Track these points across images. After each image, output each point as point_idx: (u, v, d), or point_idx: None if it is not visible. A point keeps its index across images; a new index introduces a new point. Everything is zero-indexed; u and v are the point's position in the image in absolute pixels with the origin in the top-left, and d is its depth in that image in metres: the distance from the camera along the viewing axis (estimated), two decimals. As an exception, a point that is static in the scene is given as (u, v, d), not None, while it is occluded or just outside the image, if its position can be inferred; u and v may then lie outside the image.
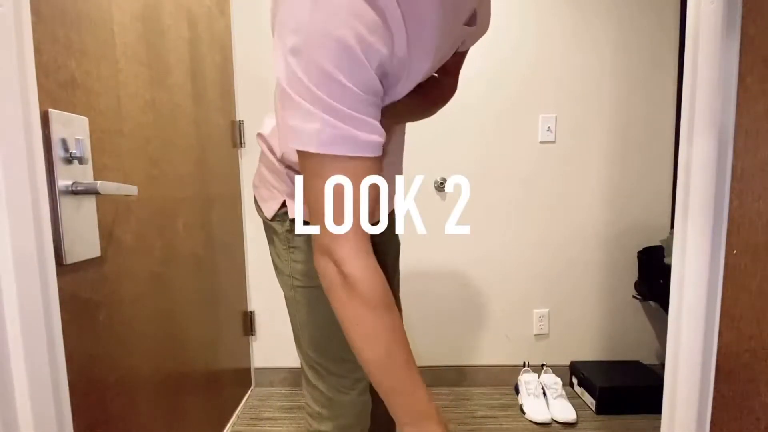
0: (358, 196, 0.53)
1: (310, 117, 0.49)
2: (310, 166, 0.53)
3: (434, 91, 0.79)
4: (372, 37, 0.48)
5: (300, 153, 0.53)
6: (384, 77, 0.53)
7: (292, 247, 0.80)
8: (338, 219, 0.53)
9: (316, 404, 0.82)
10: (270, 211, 0.81)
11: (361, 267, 0.54)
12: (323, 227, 0.54)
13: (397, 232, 0.99)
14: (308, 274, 0.79)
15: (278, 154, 0.77)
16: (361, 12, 0.47)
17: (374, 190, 0.55)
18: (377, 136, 0.52)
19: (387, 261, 0.92)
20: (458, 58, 0.78)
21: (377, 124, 0.53)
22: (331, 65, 0.47)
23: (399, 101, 0.62)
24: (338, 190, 0.52)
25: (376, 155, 0.53)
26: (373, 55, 0.49)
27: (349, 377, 0.80)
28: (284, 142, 0.53)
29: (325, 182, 0.52)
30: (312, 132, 0.49)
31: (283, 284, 0.83)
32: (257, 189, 0.86)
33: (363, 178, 0.53)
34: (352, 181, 0.52)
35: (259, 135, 0.83)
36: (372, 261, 0.55)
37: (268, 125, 0.81)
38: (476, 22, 0.66)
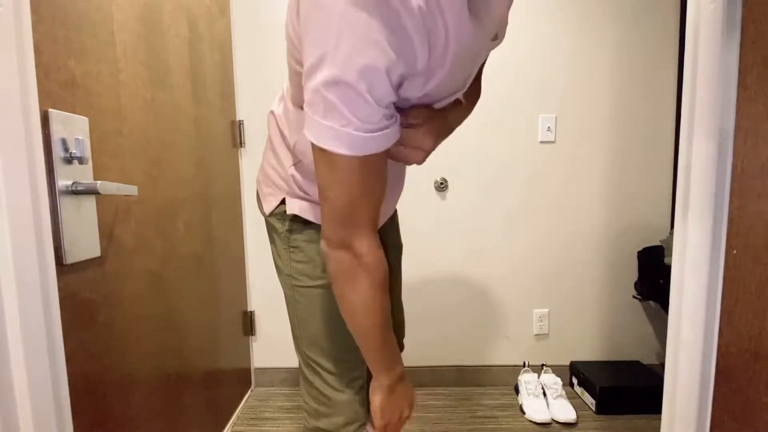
0: (375, 192, 0.61)
1: (337, 132, 0.54)
2: (332, 166, 0.57)
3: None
4: (395, 60, 0.52)
5: (322, 157, 0.57)
6: (398, 86, 0.57)
7: (293, 247, 0.80)
8: (358, 215, 0.61)
9: (313, 401, 0.83)
10: (269, 207, 0.82)
11: (378, 257, 0.64)
12: (342, 222, 0.61)
13: (399, 234, 0.99)
14: (307, 274, 0.80)
15: (291, 143, 0.76)
16: (386, 38, 0.50)
17: (383, 186, 0.63)
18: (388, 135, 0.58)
19: (390, 261, 0.92)
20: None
21: (386, 125, 0.56)
22: (363, 89, 0.51)
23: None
24: (358, 187, 0.58)
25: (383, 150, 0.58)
26: (395, 73, 0.53)
27: (345, 376, 0.81)
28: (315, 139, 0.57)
29: (346, 181, 0.58)
30: (343, 139, 0.54)
31: (283, 283, 0.84)
32: (259, 185, 0.87)
33: (377, 176, 0.60)
34: (371, 179, 0.59)
35: (271, 113, 0.82)
36: (381, 249, 0.65)
37: (281, 105, 0.80)
38: (499, 35, 0.67)
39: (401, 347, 0.96)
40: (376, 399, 0.73)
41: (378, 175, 0.61)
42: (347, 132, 0.53)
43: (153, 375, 1.09)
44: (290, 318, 0.85)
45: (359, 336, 0.69)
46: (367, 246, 0.62)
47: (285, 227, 0.80)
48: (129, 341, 0.99)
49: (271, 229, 0.84)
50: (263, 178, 0.85)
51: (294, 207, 0.78)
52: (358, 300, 0.65)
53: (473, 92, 0.82)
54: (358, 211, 0.61)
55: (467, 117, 0.82)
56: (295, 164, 0.76)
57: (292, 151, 0.76)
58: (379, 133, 0.55)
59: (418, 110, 0.64)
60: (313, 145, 0.57)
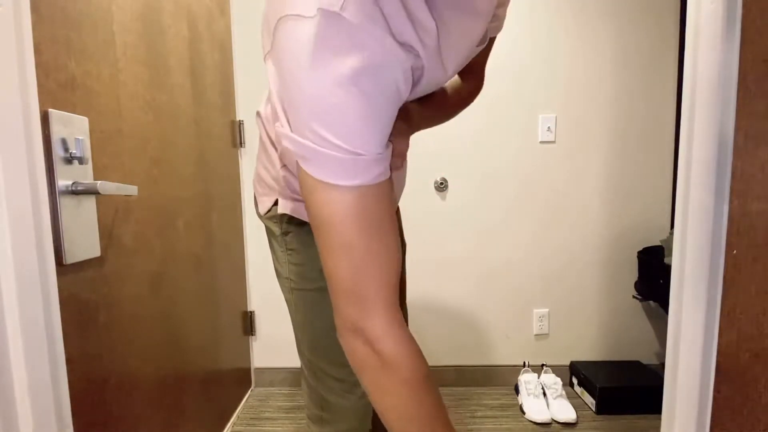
0: (382, 251, 0.49)
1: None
2: (322, 215, 0.48)
3: (456, 93, 0.79)
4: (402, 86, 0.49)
5: (310, 201, 0.49)
6: None
7: (289, 250, 0.79)
8: (364, 286, 0.48)
9: (315, 407, 0.80)
10: (263, 208, 0.81)
11: (399, 343, 0.49)
12: (346, 299, 0.49)
13: (402, 232, 0.99)
14: (304, 276, 0.78)
15: (278, 148, 0.74)
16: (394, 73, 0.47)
17: (396, 242, 0.51)
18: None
19: None
20: (481, 57, 0.77)
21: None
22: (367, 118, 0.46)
23: (420, 107, 0.64)
24: (358, 246, 0.48)
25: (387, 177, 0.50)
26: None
27: (348, 380, 0.77)
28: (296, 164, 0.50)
29: (342, 236, 0.47)
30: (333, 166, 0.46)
31: (282, 287, 0.83)
32: (255, 186, 0.86)
33: (382, 223, 0.49)
34: (373, 231, 0.48)
35: (258, 115, 0.79)
36: (408, 333, 0.50)
37: (268, 106, 0.77)
38: (488, 36, 0.66)
39: None
40: None
41: (382, 225, 0.49)
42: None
43: (153, 375, 1.09)
44: (292, 321, 0.83)
45: None
46: (381, 329, 0.48)
47: (281, 230, 0.79)
48: (129, 341, 0.99)
49: (269, 233, 0.83)
50: (257, 179, 0.83)
51: (286, 207, 0.76)
52: (390, 405, 0.49)
53: (473, 87, 0.80)
54: (363, 280, 0.48)
55: (453, 111, 0.78)
56: (284, 165, 0.76)
57: (279, 155, 0.75)
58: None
59: None
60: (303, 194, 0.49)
